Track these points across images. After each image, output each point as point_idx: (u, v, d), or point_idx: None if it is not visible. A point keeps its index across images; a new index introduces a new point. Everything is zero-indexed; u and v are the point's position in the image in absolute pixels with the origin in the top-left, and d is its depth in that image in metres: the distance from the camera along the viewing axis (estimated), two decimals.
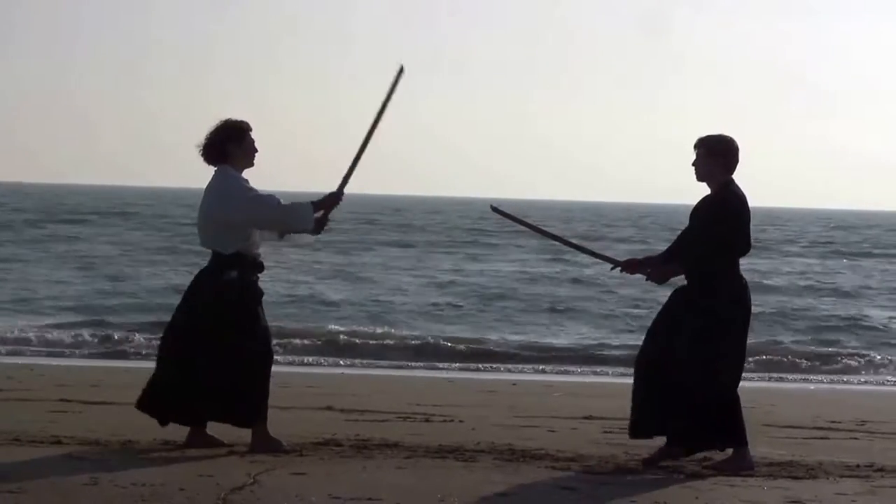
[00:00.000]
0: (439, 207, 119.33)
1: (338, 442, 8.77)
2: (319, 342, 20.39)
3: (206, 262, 8.44)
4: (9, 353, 18.18)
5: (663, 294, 8.75)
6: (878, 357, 20.63)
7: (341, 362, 18.65)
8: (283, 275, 30.67)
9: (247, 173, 8.45)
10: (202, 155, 8.38)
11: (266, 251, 8.56)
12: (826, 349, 21.63)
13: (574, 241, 9.19)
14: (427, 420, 10.43)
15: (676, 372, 8.11)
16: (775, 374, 18.67)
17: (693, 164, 8.34)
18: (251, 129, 8.43)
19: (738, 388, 8.23)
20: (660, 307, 8.48)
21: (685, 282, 8.35)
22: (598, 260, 8.95)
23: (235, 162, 8.35)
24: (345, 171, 8.50)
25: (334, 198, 8.47)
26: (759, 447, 8.78)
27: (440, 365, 18.95)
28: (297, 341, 20.14)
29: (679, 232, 8.59)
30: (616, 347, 21.52)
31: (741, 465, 8.18)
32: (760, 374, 18.28)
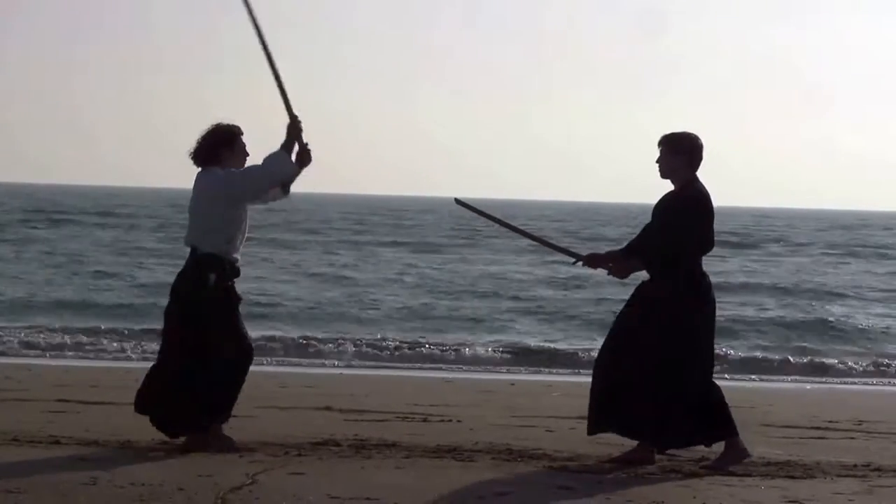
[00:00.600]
0: (433, 207, 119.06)
1: (336, 442, 8.78)
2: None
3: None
4: (7, 354, 18.17)
5: None
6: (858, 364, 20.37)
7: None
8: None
9: None
10: (193, 159, 8.42)
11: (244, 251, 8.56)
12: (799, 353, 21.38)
13: (537, 234, 9.19)
14: (425, 420, 10.44)
15: (639, 369, 8.11)
16: (758, 375, 18.64)
17: (657, 162, 8.34)
18: (242, 133, 8.45)
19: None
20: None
21: (647, 277, 8.36)
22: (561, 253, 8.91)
23: (227, 166, 8.37)
24: (281, 99, 8.37)
25: (293, 125, 8.37)
26: (757, 447, 8.79)
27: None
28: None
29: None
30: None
31: (736, 456, 8.19)
32: (745, 375, 18.30)
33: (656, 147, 8.34)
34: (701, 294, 8.19)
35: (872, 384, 17.99)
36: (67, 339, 20.04)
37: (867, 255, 51.66)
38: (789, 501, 7.34)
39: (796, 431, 10.49)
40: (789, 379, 18.31)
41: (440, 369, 18.15)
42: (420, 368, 18.36)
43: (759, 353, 20.97)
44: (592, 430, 8.39)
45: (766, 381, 17.85)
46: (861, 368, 19.58)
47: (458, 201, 9.01)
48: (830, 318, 26.19)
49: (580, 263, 8.58)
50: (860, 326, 25.31)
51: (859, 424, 11.08)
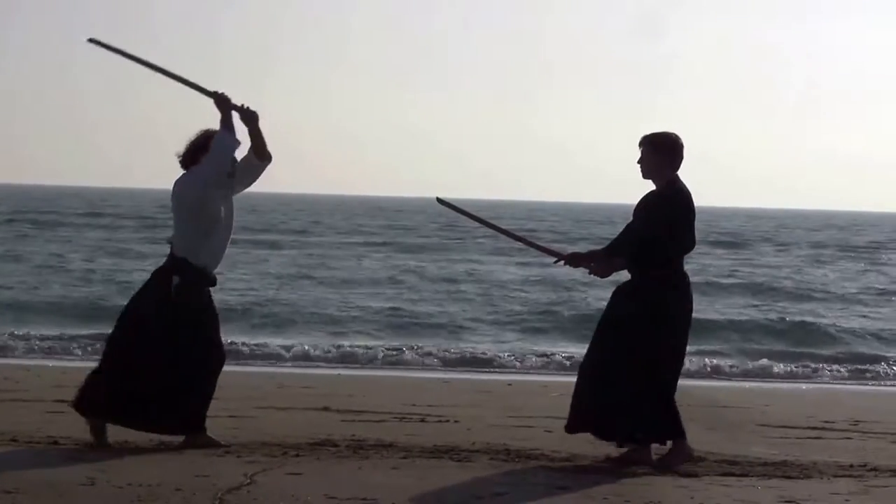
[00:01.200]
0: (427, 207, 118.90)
1: (334, 442, 8.80)
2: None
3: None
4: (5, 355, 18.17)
5: None
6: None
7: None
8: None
9: None
10: (181, 163, 8.49)
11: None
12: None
13: (519, 233, 9.18)
14: (423, 420, 10.45)
15: (617, 368, 8.14)
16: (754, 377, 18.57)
17: (638, 162, 8.35)
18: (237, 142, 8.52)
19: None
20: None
21: (628, 277, 8.38)
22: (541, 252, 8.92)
23: None
24: (193, 89, 8.49)
25: (218, 100, 8.43)
26: (754, 447, 8.81)
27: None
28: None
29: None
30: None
31: (682, 457, 8.23)
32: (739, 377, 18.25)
33: (637, 147, 8.36)
34: (679, 293, 8.22)
35: (868, 385, 18.00)
36: (67, 339, 20.06)
37: (857, 257, 51.71)
38: (786, 501, 7.35)
39: (793, 432, 10.51)
40: (782, 372, 18.29)
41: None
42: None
43: (737, 356, 20.69)
44: (570, 430, 8.45)
45: (764, 381, 17.84)
46: (846, 372, 19.43)
47: (440, 200, 9.06)
48: (810, 319, 26.18)
49: (562, 263, 8.60)
50: (842, 327, 25.27)
51: (856, 425, 11.10)
